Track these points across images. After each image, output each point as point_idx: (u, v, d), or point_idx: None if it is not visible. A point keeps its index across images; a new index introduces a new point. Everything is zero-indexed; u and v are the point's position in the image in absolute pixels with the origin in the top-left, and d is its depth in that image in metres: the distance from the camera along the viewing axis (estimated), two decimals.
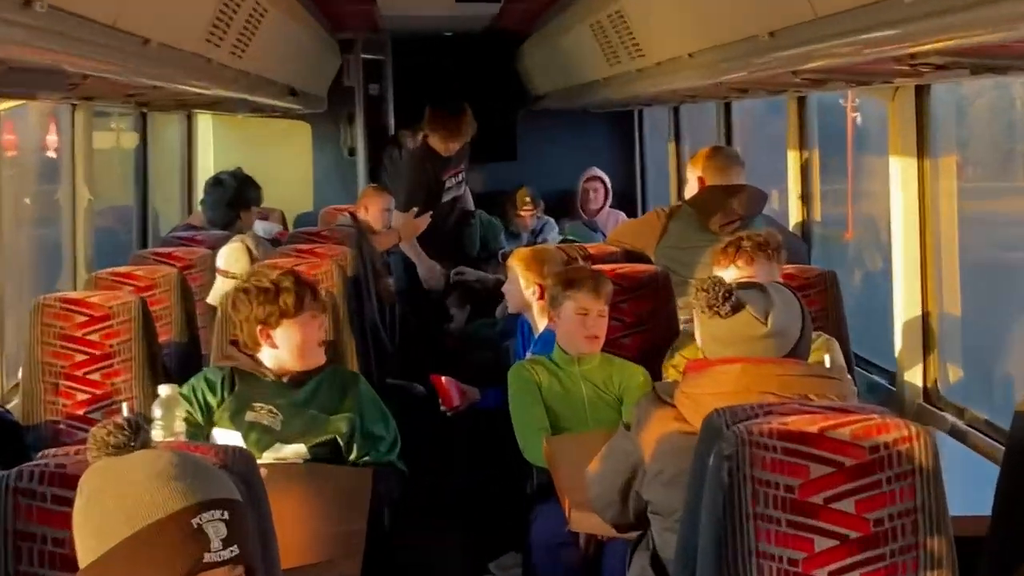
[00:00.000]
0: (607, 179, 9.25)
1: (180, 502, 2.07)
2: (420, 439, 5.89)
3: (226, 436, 4.01)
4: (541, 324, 5.21)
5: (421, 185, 7.71)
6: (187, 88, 4.60)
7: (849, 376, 3.86)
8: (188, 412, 4.00)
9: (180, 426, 3.81)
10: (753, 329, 3.04)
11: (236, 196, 6.95)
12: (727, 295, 3.05)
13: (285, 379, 4.11)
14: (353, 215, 7.63)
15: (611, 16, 5.61)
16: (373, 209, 7.55)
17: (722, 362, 3.04)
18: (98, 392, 4.56)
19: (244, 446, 3.85)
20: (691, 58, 4.56)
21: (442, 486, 6.05)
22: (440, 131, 7.64)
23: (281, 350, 4.09)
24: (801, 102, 6.08)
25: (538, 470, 4.48)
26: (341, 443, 4.09)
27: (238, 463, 2.48)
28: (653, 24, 5.08)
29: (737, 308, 3.04)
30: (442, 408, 5.30)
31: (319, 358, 4.15)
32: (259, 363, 4.13)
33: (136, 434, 2.19)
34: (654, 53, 5.26)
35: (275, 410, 4.05)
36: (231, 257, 5.63)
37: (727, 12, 3.89)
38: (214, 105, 6.89)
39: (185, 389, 4.09)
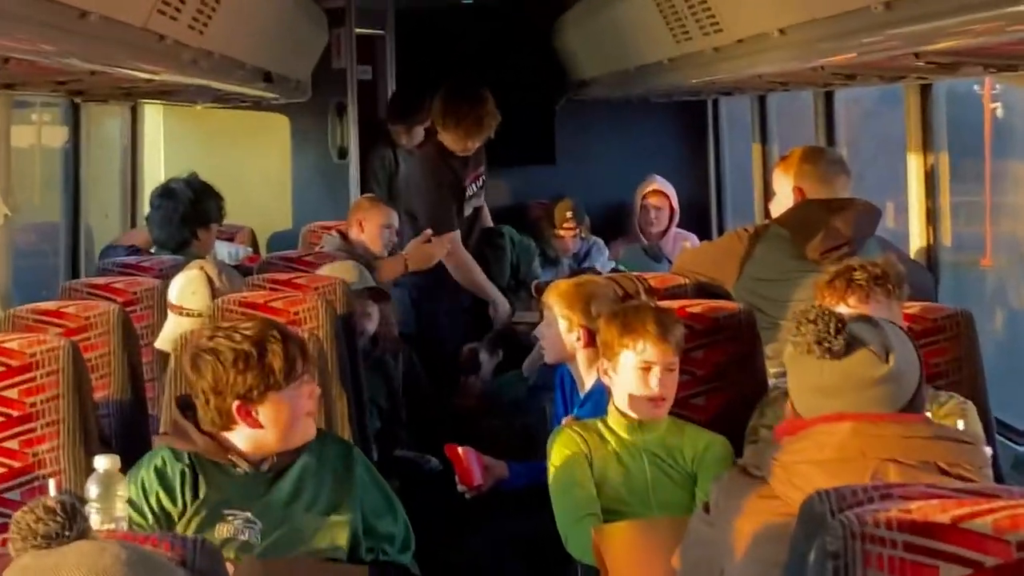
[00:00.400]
0: (672, 192, 9.26)
1: None
2: (434, 528, 5.91)
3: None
4: (588, 379, 5.21)
5: (444, 194, 7.76)
6: (133, 73, 4.65)
7: (988, 447, 3.86)
8: (134, 504, 4.00)
9: (122, 509, 3.84)
10: (872, 370, 3.07)
11: (190, 210, 7.01)
12: (839, 327, 3.07)
13: (264, 466, 4.05)
14: (343, 234, 7.66)
15: None
16: (370, 227, 7.57)
17: (825, 420, 3.05)
18: (16, 465, 4.56)
19: None
20: (782, 35, 4.58)
21: None
22: (455, 125, 7.69)
23: (265, 430, 3.99)
24: (924, 91, 6.10)
25: (584, 568, 4.50)
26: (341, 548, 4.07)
27: (201, 558, 2.51)
28: None
29: (852, 345, 3.07)
30: (460, 488, 5.32)
31: (309, 432, 4.08)
32: (226, 447, 4.03)
33: (71, 521, 2.20)
34: (735, 27, 5.29)
35: (252, 518, 4.00)
36: (187, 289, 5.67)
37: None
38: (166, 94, 6.96)
39: (132, 490, 4.00)
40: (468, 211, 7.90)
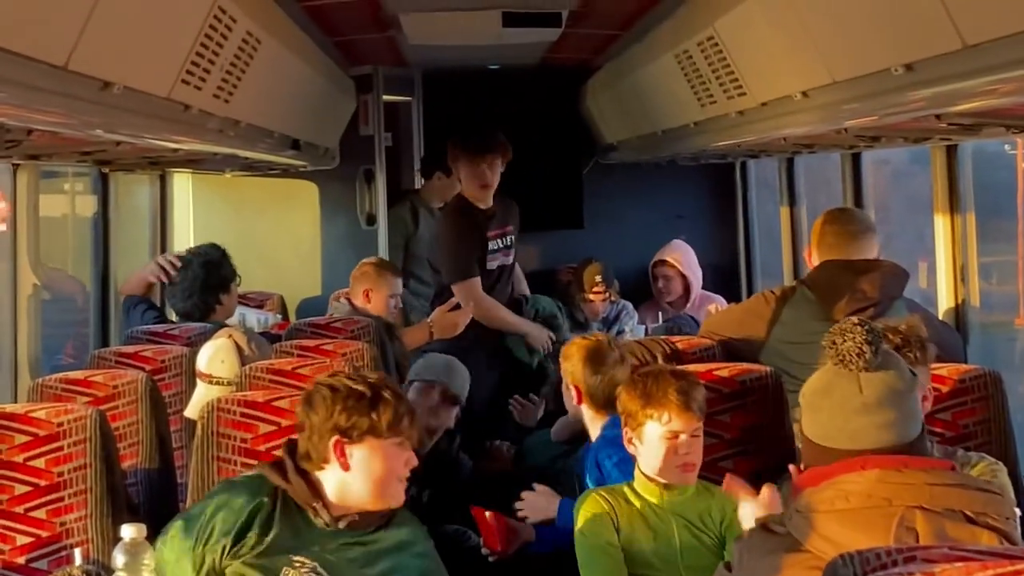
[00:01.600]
0: (684, 258, 9.22)
1: None
2: None
3: None
4: (593, 431, 5.31)
5: (465, 243, 7.78)
6: (159, 143, 4.69)
7: (1018, 508, 3.84)
8: (170, 551, 4.01)
9: None
10: (906, 379, 3.15)
11: (209, 279, 7.03)
12: (877, 335, 3.12)
13: (342, 524, 4.08)
14: (350, 302, 7.66)
15: (702, 44, 5.67)
16: (378, 297, 7.55)
17: (848, 468, 3.05)
18: (43, 534, 4.59)
19: None
20: (805, 97, 4.60)
21: None
22: (463, 151, 7.75)
23: (353, 475, 4.04)
24: (950, 151, 6.11)
25: None
26: None
27: None
28: (756, 54, 5.13)
29: (887, 356, 3.12)
30: (484, 551, 5.30)
31: (396, 497, 4.11)
32: (316, 493, 4.07)
33: None
34: (759, 91, 5.31)
35: (320, 570, 4.01)
36: (216, 357, 5.69)
37: (850, 38, 3.93)
38: (194, 163, 7.01)
39: (200, 507, 4.08)
40: (491, 266, 7.84)
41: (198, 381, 5.71)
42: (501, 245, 7.89)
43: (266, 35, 5.16)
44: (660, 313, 9.21)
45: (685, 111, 6.81)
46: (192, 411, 5.60)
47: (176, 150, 5.05)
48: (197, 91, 4.47)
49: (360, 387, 4.03)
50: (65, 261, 7.92)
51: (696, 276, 9.31)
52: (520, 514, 5.32)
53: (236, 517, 4.05)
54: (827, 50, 4.15)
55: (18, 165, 5.77)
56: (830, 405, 3.18)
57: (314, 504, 4.06)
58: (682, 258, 9.30)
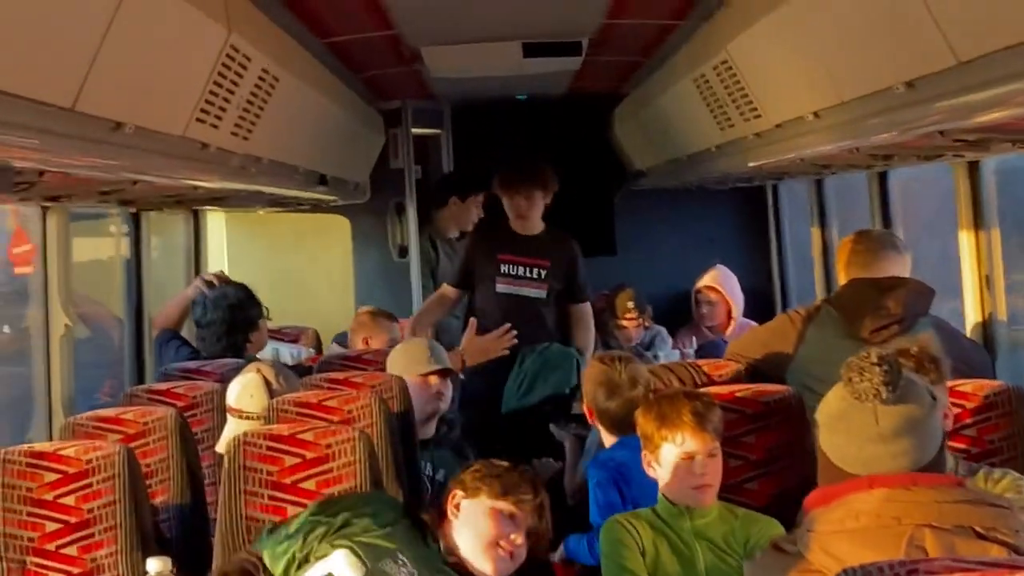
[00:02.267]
0: (728, 285, 9.24)
1: None
2: None
3: (345, 562, 4.14)
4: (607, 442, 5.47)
5: (466, 254, 7.92)
6: (177, 182, 4.74)
7: None
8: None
9: None
10: (926, 408, 3.14)
11: (236, 319, 7.10)
12: (900, 369, 3.13)
13: (451, 559, 4.24)
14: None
15: (717, 68, 5.71)
16: (377, 343, 7.64)
17: (856, 488, 3.06)
18: (75, 571, 4.64)
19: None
20: (817, 118, 4.63)
21: None
22: (499, 177, 7.86)
23: (458, 528, 4.28)
24: (972, 167, 6.11)
25: None
26: None
27: None
28: (768, 76, 5.17)
29: (907, 387, 3.13)
30: None
31: (489, 568, 4.23)
32: (443, 531, 4.29)
33: None
34: (773, 112, 5.34)
35: (415, 573, 4.15)
36: (245, 393, 5.73)
37: (854, 57, 3.96)
38: (219, 200, 7.07)
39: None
40: (501, 289, 7.78)
41: (228, 416, 5.75)
42: (525, 274, 7.82)
43: (284, 72, 5.21)
44: (695, 338, 9.22)
45: (706, 135, 6.84)
46: (223, 446, 5.62)
47: (197, 188, 5.09)
48: (214, 129, 4.51)
49: (501, 462, 4.35)
50: (113, 303, 7.97)
51: (738, 302, 9.31)
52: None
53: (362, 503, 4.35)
54: (834, 70, 4.18)
55: (47, 207, 5.85)
56: (846, 430, 3.18)
57: (437, 530, 4.29)
58: (725, 283, 9.30)
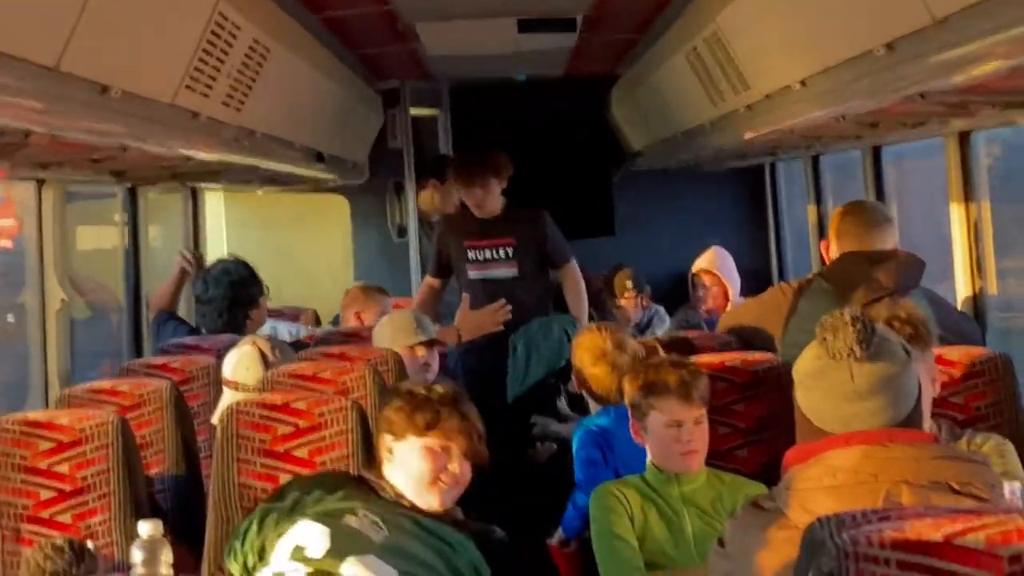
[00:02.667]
0: (724, 266, 9.24)
1: None
2: None
3: (309, 530, 4.12)
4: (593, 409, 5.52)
5: (436, 246, 7.99)
6: (169, 151, 4.77)
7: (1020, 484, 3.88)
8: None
9: (166, 572, 3.90)
10: (900, 365, 3.15)
11: (237, 296, 7.13)
12: (873, 328, 3.14)
13: (405, 502, 4.24)
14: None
15: (707, 40, 5.74)
16: (369, 317, 7.67)
17: (833, 445, 3.08)
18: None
19: (328, 543, 4.05)
20: (803, 87, 4.66)
21: None
22: (455, 181, 7.88)
23: (396, 468, 4.27)
24: (963, 140, 6.13)
25: None
26: None
27: None
28: (755, 46, 5.20)
29: (881, 345, 3.14)
30: None
31: (431, 499, 4.24)
32: (385, 484, 4.29)
33: (79, 560, 2.28)
34: (762, 84, 5.37)
35: (381, 523, 4.14)
36: (240, 365, 5.75)
37: (836, 22, 3.98)
38: (215, 176, 7.10)
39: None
40: (474, 275, 7.78)
41: (224, 389, 5.78)
42: (493, 256, 7.80)
43: (275, 44, 5.23)
44: (688, 317, 9.24)
45: (700, 111, 6.87)
46: (218, 418, 5.67)
47: (190, 159, 5.12)
48: (204, 98, 4.54)
49: (419, 392, 4.28)
50: (118, 291, 7.99)
51: (735, 283, 9.28)
52: None
53: (301, 488, 4.28)
54: (817, 36, 4.21)
55: (42, 182, 5.88)
56: (822, 388, 3.19)
57: (380, 481, 4.27)
58: (722, 265, 9.28)
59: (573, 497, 5.31)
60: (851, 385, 3.14)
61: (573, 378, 5.70)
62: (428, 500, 4.23)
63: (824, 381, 3.18)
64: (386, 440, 4.28)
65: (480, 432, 4.31)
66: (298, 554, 4.06)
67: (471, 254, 7.76)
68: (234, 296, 7.14)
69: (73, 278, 6.93)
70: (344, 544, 4.05)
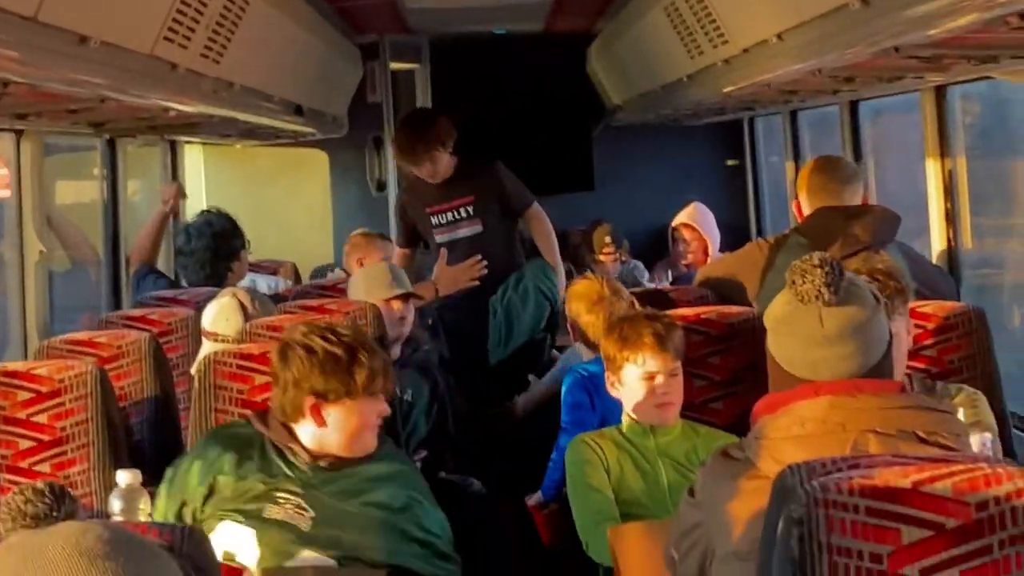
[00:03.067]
0: (705, 222, 9.24)
1: None
2: (470, 549, 6.00)
3: (234, 534, 4.05)
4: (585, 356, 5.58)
5: (401, 216, 8.01)
6: (147, 102, 4.77)
7: (988, 434, 3.92)
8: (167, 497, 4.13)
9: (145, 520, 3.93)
10: (870, 310, 3.17)
11: (219, 249, 7.12)
12: (841, 271, 3.17)
13: (323, 463, 4.16)
14: (348, 273, 7.77)
15: None
16: (372, 263, 7.68)
17: (803, 395, 3.11)
18: None
19: (257, 550, 4.00)
20: (780, 40, 4.68)
21: None
22: (401, 160, 7.86)
23: (329, 431, 4.15)
24: (939, 93, 6.15)
25: (605, 570, 4.56)
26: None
27: (189, 545, 2.59)
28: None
29: (850, 290, 3.16)
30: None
31: (368, 445, 4.20)
32: (293, 437, 4.18)
33: (59, 502, 2.29)
34: (740, 38, 5.39)
35: (304, 505, 4.09)
36: (220, 316, 5.76)
37: None
38: (194, 128, 7.10)
39: (188, 461, 4.20)
40: (442, 238, 7.80)
41: (204, 340, 5.80)
42: (455, 217, 7.80)
43: None
44: (670, 272, 9.28)
45: (678, 65, 6.88)
46: (196, 368, 5.68)
47: (167, 110, 5.12)
48: (183, 50, 4.54)
49: (336, 350, 4.09)
50: (98, 246, 7.99)
51: (715, 239, 9.29)
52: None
53: (210, 468, 4.16)
54: None
55: (21, 133, 5.88)
56: (791, 333, 3.21)
57: (291, 445, 4.15)
58: (702, 220, 9.30)
59: (558, 441, 5.36)
60: (820, 330, 3.16)
61: (568, 328, 5.73)
62: (364, 446, 4.19)
63: (793, 326, 3.20)
64: (308, 402, 4.12)
65: (388, 360, 4.25)
66: (228, 558, 4.00)
67: (434, 219, 7.78)
68: (216, 248, 7.14)
69: (58, 224, 6.94)
70: (274, 543, 4.00)
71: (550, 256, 7.89)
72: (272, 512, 4.07)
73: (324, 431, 4.14)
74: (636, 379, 4.74)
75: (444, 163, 7.64)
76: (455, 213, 7.79)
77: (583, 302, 5.59)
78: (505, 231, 7.89)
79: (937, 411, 3.10)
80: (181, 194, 7.64)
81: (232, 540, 4.04)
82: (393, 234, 9.43)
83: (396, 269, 6.68)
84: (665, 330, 4.74)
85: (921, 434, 3.04)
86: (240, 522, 4.05)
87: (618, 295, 5.59)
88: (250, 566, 3.99)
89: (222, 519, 4.07)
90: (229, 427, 4.37)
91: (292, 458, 4.16)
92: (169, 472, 4.24)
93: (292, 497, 4.10)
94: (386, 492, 4.18)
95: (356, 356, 4.09)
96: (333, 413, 4.12)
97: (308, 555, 4.04)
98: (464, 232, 7.79)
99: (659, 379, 4.72)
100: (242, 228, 7.26)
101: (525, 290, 7.69)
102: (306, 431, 4.16)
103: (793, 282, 3.17)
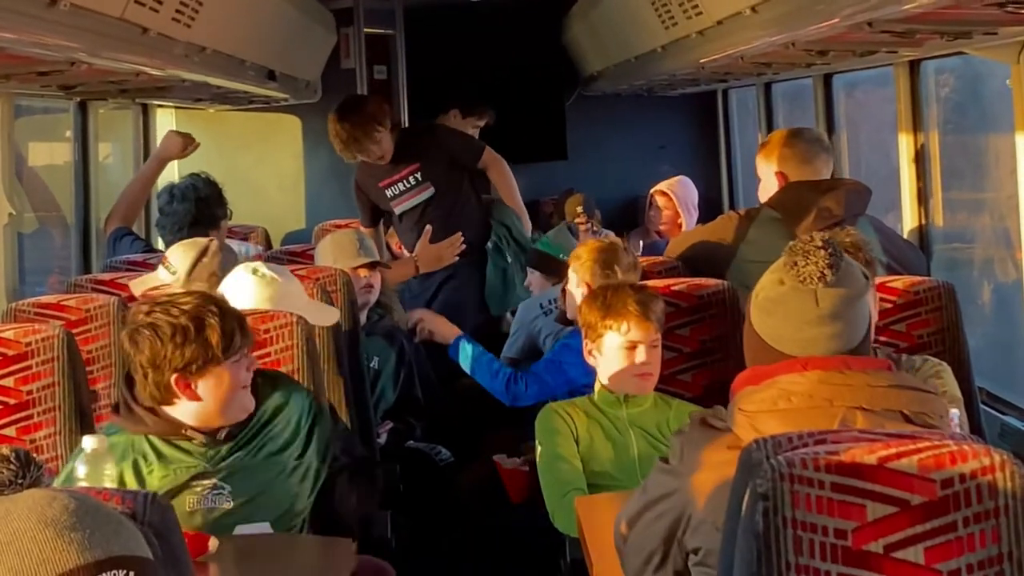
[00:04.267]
0: (683, 193, 9.20)
1: (74, 558, 2.11)
2: (435, 518, 6.03)
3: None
4: None
5: (359, 197, 8.03)
6: (118, 65, 4.74)
7: (957, 410, 3.92)
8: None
9: (109, 486, 3.91)
10: (861, 285, 3.17)
11: (200, 214, 7.07)
12: (839, 250, 3.17)
13: (220, 435, 4.12)
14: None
15: None
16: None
17: (789, 368, 3.11)
18: None
19: None
20: (755, 12, 4.67)
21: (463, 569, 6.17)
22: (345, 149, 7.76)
23: (205, 402, 4.05)
24: (913, 68, 6.15)
25: (572, 541, 4.56)
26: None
27: (151, 512, 2.58)
28: None
29: (845, 268, 3.17)
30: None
31: (247, 404, 4.13)
32: (177, 423, 4.09)
33: (25, 469, 2.26)
34: (714, 9, 5.37)
35: (219, 483, 4.07)
36: (178, 248, 5.76)
37: None
38: (165, 92, 7.06)
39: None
40: (401, 208, 7.85)
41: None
42: (406, 186, 7.81)
43: None
44: (641, 242, 9.26)
45: (652, 35, 6.87)
46: None
47: (139, 74, 5.09)
48: (154, 13, 4.51)
49: (182, 320, 3.97)
50: (69, 209, 7.95)
51: (690, 214, 9.22)
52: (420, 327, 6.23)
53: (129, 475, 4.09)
54: None
55: None
56: (784, 312, 3.20)
57: (184, 431, 4.09)
58: (681, 192, 9.27)
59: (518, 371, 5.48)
60: (815, 310, 3.15)
61: (572, 293, 5.62)
62: (243, 407, 4.13)
63: (787, 305, 3.19)
64: (171, 380, 4.00)
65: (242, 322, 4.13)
66: None
67: (389, 192, 7.81)
68: (197, 213, 7.07)
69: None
70: (206, 531, 3.92)
71: (511, 200, 8.01)
72: (192, 503, 4.06)
73: (200, 405, 4.05)
74: (617, 347, 4.75)
75: (387, 142, 7.65)
76: (405, 182, 7.81)
77: (598, 265, 5.51)
78: (461, 188, 7.94)
79: (923, 391, 3.11)
80: (190, 141, 7.57)
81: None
82: None
83: (364, 238, 6.69)
84: (648, 300, 4.76)
85: (907, 413, 3.04)
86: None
87: (636, 270, 5.57)
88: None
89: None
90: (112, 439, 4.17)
91: (187, 444, 4.10)
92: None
93: (206, 481, 4.07)
94: (279, 434, 4.18)
95: (204, 322, 3.97)
96: (202, 384, 4.02)
97: (239, 530, 4.05)
98: (419, 198, 7.81)
99: (640, 348, 4.73)
100: (226, 198, 7.21)
101: (507, 243, 7.76)
102: (184, 410, 4.06)
103: (795, 263, 3.16)
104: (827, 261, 3.13)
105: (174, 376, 3.99)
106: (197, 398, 4.03)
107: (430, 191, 7.81)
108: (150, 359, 3.99)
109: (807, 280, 3.14)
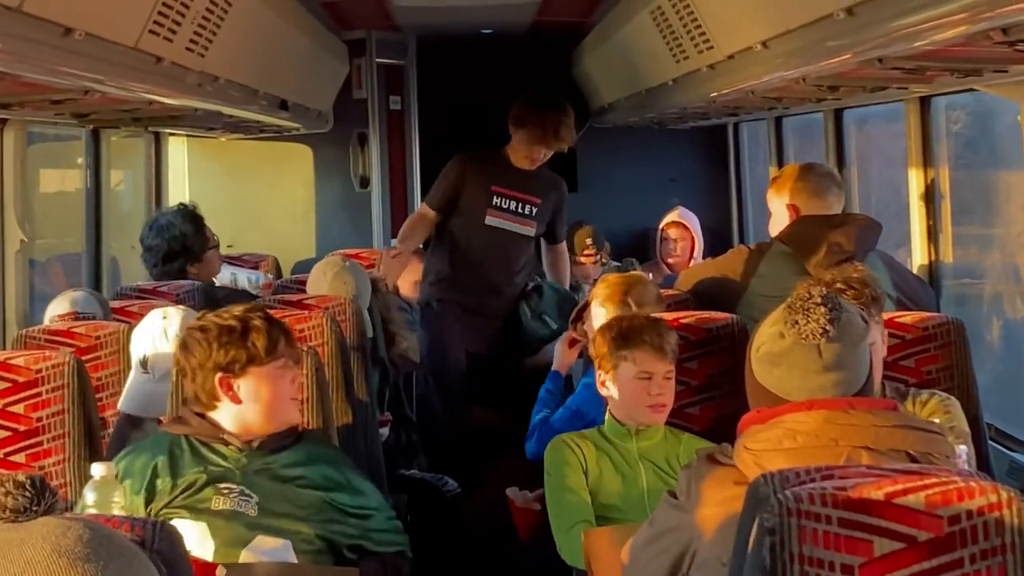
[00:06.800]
0: (694, 223, 9.21)
1: None
2: (442, 549, 6.02)
3: (185, 531, 3.97)
4: None
5: (450, 178, 7.71)
6: (131, 94, 4.77)
7: (965, 447, 3.93)
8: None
9: (118, 514, 3.92)
10: (862, 333, 3.19)
11: (168, 253, 7.06)
12: (840, 304, 3.18)
13: (255, 444, 4.20)
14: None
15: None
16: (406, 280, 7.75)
17: (795, 409, 3.12)
18: None
19: (211, 542, 4.02)
20: (765, 48, 4.69)
21: None
22: (521, 126, 7.60)
23: (246, 406, 4.17)
24: (924, 105, 6.16)
25: (579, 574, 4.57)
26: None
27: (160, 541, 2.60)
28: (718, 5, 5.22)
29: (847, 320, 3.17)
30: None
31: (292, 416, 4.26)
32: (219, 427, 4.20)
33: (40, 496, 2.26)
34: (725, 44, 5.40)
35: (248, 491, 4.12)
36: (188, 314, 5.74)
37: None
38: (178, 121, 7.09)
39: (124, 466, 4.17)
40: (490, 222, 7.66)
41: None
42: (517, 209, 7.70)
43: None
44: (651, 275, 9.25)
45: (663, 69, 6.89)
46: None
47: (152, 103, 5.12)
48: (168, 43, 4.53)
49: (229, 321, 4.16)
50: (80, 236, 7.98)
51: (700, 242, 9.28)
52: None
53: (141, 477, 4.16)
54: None
55: (4, 122, 5.87)
56: (788, 364, 3.21)
57: (222, 436, 4.19)
58: (693, 223, 9.30)
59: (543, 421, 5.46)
60: (819, 362, 3.17)
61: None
62: (286, 417, 4.24)
63: (791, 358, 3.21)
64: (215, 381, 4.15)
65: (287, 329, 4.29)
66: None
67: (496, 200, 7.66)
68: (169, 250, 7.07)
69: None
70: (225, 533, 4.03)
71: (563, 283, 8.08)
72: (219, 503, 4.11)
73: (242, 408, 4.18)
74: (631, 379, 4.74)
75: (543, 159, 7.65)
76: (520, 206, 7.70)
77: (632, 298, 5.49)
78: (532, 247, 7.92)
79: (930, 431, 3.12)
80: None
81: (184, 537, 4.03)
82: (375, 229, 9.49)
83: (355, 265, 6.69)
84: (664, 332, 4.76)
85: (913, 453, 3.05)
86: (188, 518, 4.07)
87: (661, 303, 5.57)
88: (206, 559, 3.98)
89: (170, 518, 4.05)
90: (144, 443, 4.36)
91: (223, 448, 4.19)
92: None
93: (234, 485, 4.13)
94: (317, 472, 4.22)
95: (249, 324, 4.15)
96: (244, 385, 4.15)
97: (260, 540, 4.07)
98: (516, 228, 7.72)
99: (655, 379, 4.73)
100: (208, 229, 7.19)
101: (549, 300, 7.79)
102: (226, 414, 4.19)
103: (796, 322, 3.17)
104: (827, 317, 3.15)
105: (218, 376, 4.14)
106: (238, 400, 4.17)
107: (531, 231, 7.76)
108: (198, 361, 4.17)
109: (810, 337, 3.16)
